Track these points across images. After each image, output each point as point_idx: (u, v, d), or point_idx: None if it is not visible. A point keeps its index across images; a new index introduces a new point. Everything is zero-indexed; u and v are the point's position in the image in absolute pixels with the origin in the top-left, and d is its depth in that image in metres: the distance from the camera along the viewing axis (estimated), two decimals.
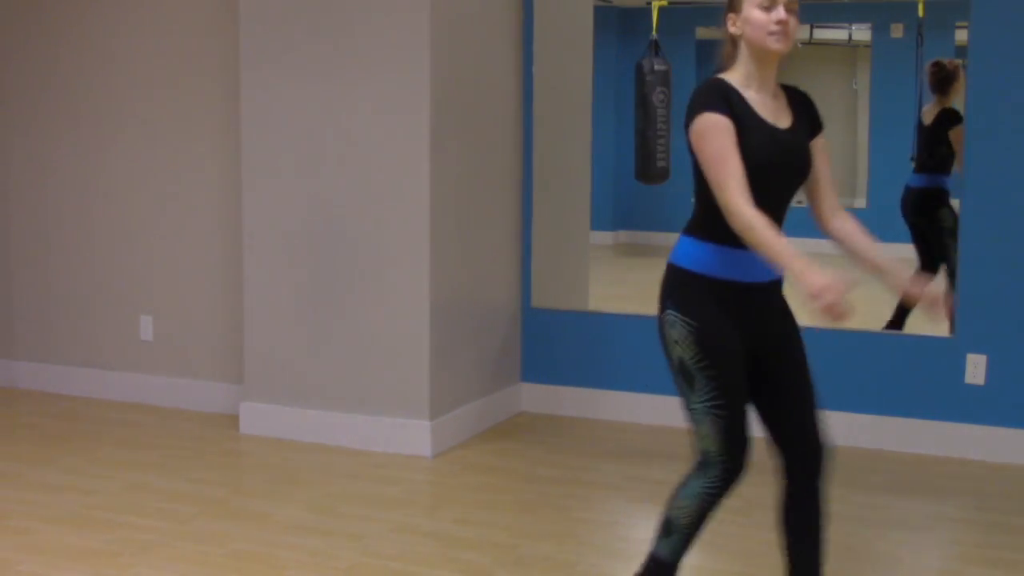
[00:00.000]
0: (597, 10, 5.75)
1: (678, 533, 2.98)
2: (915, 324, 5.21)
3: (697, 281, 2.82)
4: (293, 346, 5.01)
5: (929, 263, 5.27)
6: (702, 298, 2.81)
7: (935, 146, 5.13)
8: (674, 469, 4.64)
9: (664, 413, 5.25)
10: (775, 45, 2.75)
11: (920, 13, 5.50)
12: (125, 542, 3.82)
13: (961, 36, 5.17)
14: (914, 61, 5.45)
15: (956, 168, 4.98)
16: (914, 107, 5.39)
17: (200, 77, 5.40)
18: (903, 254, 5.23)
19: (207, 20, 5.36)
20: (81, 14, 5.62)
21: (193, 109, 5.43)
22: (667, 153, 6.06)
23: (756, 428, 2.90)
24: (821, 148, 2.88)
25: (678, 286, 2.85)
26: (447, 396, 4.91)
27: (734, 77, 2.82)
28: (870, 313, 5.35)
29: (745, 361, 2.84)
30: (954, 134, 4.97)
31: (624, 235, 6.74)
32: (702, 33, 6.51)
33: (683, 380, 2.86)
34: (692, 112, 2.79)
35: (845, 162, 5.91)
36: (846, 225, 2.88)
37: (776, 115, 2.83)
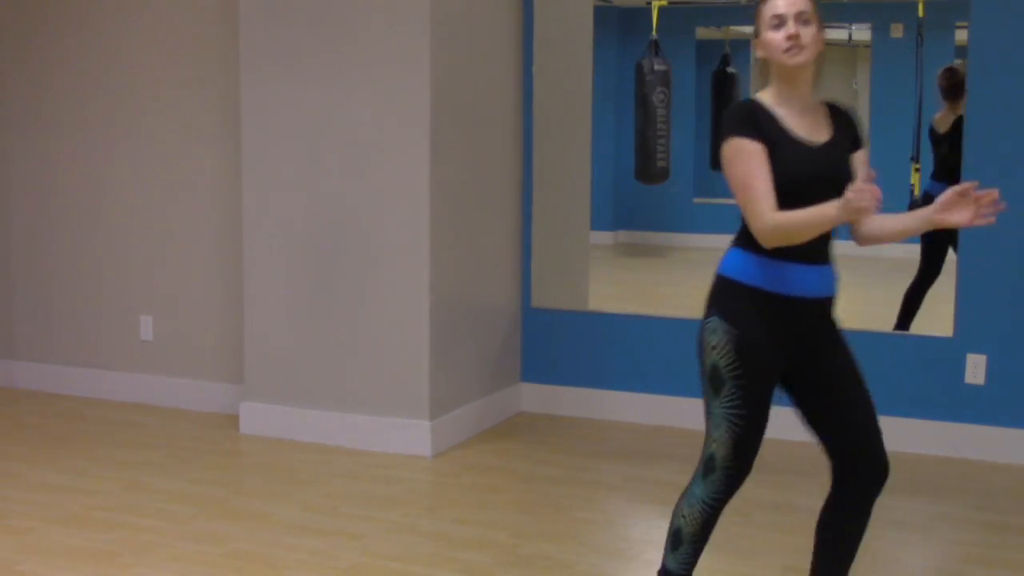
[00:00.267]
0: (597, 10, 5.74)
1: (686, 543, 2.98)
2: (918, 325, 5.22)
3: (742, 292, 2.83)
4: (293, 346, 5.01)
5: (935, 270, 5.27)
6: (747, 309, 2.82)
7: (953, 154, 5.09)
8: (674, 469, 4.65)
9: (664, 413, 5.25)
10: (791, 60, 2.76)
11: (920, 13, 5.50)
12: (125, 542, 3.82)
13: (961, 36, 5.17)
14: (914, 61, 5.45)
15: None
16: (914, 107, 5.39)
17: (200, 77, 5.40)
18: (902, 255, 5.23)
19: (207, 21, 5.36)
20: (80, 16, 5.62)
21: (193, 109, 5.43)
22: (667, 153, 6.07)
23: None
24: (861, 160, 2.88)
25: (724, 296, 2.87)
26: (447, 396, 4.91)
27: (767, 96, 2.85)
28: (871, 313, 5.36)
29: (781, 374, 2.87)
30: None
31: (624, 235, 6.74)
32: (702, 33, 6.51)
33: (710, 384, 2.88)
34: (721, 137, 2.83)
35: None
36: (872, 221, 2.84)
37: (811, 130, 2.82)
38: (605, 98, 6.18)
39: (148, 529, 3.93)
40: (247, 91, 4.99)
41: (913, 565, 3.78)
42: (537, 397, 5.49)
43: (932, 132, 5.34)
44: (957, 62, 5.27)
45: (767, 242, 2.74)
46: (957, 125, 4.96)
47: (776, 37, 2.78)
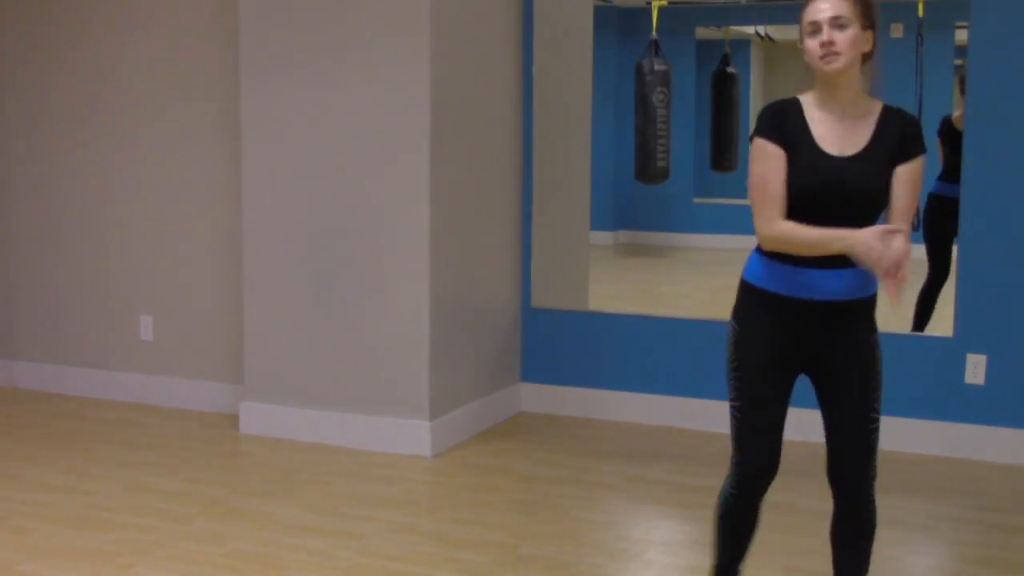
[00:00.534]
0: (597, 10, 5.75)
1: (713, 535, 3.08)
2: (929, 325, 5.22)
3: (754, 293, 2.89)
4: (293, 346, 5.01)
5: (944, 270, 5.23)
6: (753, 308, 2.89)
7: None
8: (674, 469, 4.65)
9: (664, 413, 5.25)
10: (827, 67, 2.74)
11: (920, 13, 5.50)
12: (125, 542, 3.82)
13: (961, 36, 5.17)
14: (914, 61, 5.45)
15: None
16: (914, 108, 5.38)
17: (200, 78, 5.40)
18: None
19: (207, 22, 5.36)
20: (82, 21, 5.62)
21: (193, 110, 5.43)
22: (667, 153, 6.07)
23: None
24: (904, 175, 2.79)
25: (738, 297, 2.95)
26: (447, 396, 4.91)
27: (810, 97, 2.84)
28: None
29: (789, 374, 2.89)
30: None
31: (624, 235, 6.74)
32: (702, 33, 6.51)
33: (727, 381, 2.97)
34: (752, 133, 2.86)
35: None
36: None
37: (843, 138, 2.79)
38: (605, 98, 6.18)
39: (148, 529, 3.93)
40: (247, 93, 4.99)
41: (913, 565, 3.78)
42: (537, 397, 5.49)
43: (948, 130, 5.24)
44: None
45: (766, 245, 2.80)
46: None
47: (813, 44, 2.75)
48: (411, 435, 4.80)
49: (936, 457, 4.79)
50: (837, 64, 2.73)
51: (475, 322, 5.14)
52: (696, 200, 6.42)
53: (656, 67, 5.97)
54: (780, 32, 6.53)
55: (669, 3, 6.15)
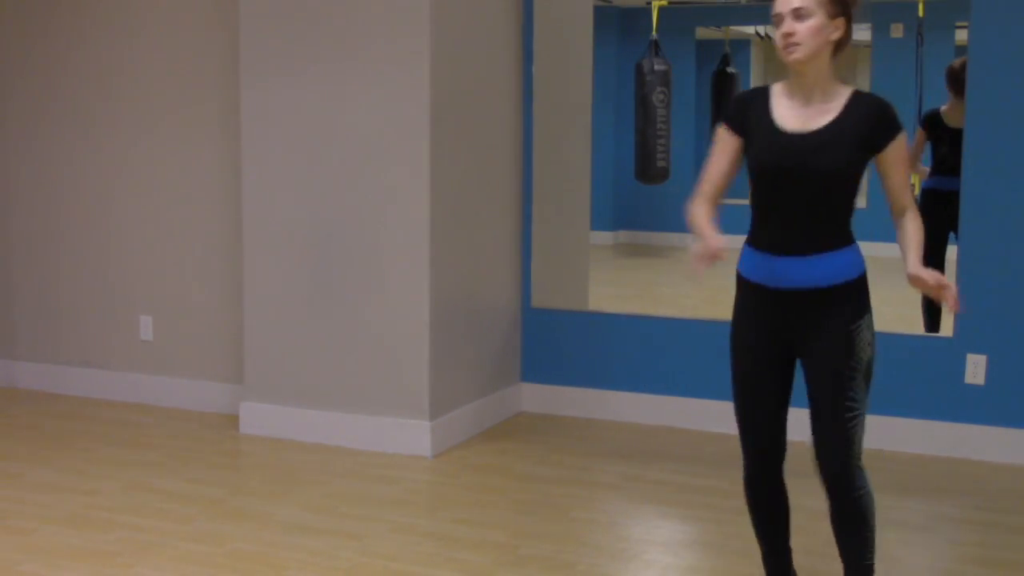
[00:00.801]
0: (597, 10, 5.75)
1: (752, 523, 3.20)
2: (918, 325, 5.21)
3: (740, 282, 3.01)
4: (293, 346, 5.01)
5: (938, 264, 5.24)
6: (741, 297, 3.01)
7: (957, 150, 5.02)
8: (674, 469, 4.65)
9: (664, 413, 5.25)
10: (789, 58, 2.82)
11: (920, 13, 5.50)
12: (125, 542, 3.82)
13: (961, 36, 5.16)
14: (914, 61, 5.45)
15: None
16: (914, 107, 5.38)
17: (200, 77, 5.40)
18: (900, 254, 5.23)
19: (207, 21, 5.36)
20: (83, 21, 5.62)
21: (193, 109, 5.43)
22: (667, 153, 6.07)
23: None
24: (887, 158, 2.85)
25: (736, 286, 3.06)
26: (447, 396, 4.91)
27: (780, 86, 2.93)
28: (874, 313, 5.35)
29: (775, 360, 2.96)
30: None
31: (624, 235, 6.74)
32: (702, 33, 6.51)
33: None
34: None
35: None
36: (901, 225, 2.93)
37: (804, 119, 2.84)
38: (605, 98, 6.18)
39: (148, 529, 3.93)
40: (247, 91, 4.99)
41: (913, 565, 3.78)
42: (537, 397, 5.49)
43: (936, 124, 5.24)
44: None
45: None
46: None
47: (777, 35, 2.83)
48: (411, 435, 4.80)
49: (936, 457, 4.79)
50: (798, 54, 2.79)
51: (475, 322, 5.14)
52: None
53: (656, 67, 5.97)
54: None
55: (669, 3, 6.15)
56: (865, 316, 2.90)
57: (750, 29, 6.56)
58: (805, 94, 2.85)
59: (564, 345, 5.44)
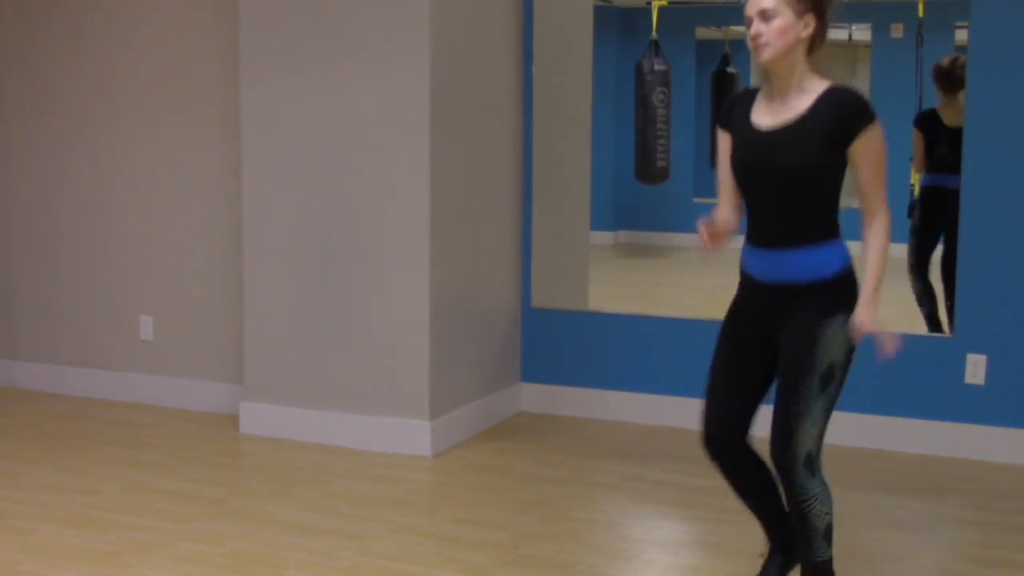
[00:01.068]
0: (597, 10, 5.74)
1: None
2: (918, 325, 5.21)
3: (740, 274, 3.07)
4: (293, 346, 5.01)
5: (923, 263, 5.25)
6: (738, 287, 3.08)
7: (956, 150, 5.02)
8: (674, 469, 4.65)
9: (664, 413, 5.25)
10: (759, 58, 2.87)
11: (920, 13, 5.49)
12: (125, 542, 3.82)
13: (961, 36, 5.16)
14: (914, 61, 5.44)
15: None
16: (914, 107, 5.38)
17: (200, 77, 5.40)
18: (899, 254, 5.23)
19: (207, 20, 5.36)
20: (82, 21, 5.62)
21: (193, 109, 5.43)
22: (667, 153, 6.06)
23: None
24: (857, 150, 2.84)
25: None
26: (447, 396, 4.91)
27: (764, 86, 2.98)
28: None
29: (753, 348, 3.03)
30: None
31: (624, 235, 6.74)
32: (702, 33, 6.51)
33: None
34: None
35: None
36: (866, 238, 2.93)
37: (776, 115, 2.89)
38: (605, 98, 6.17)
39: (148, 529, 3.93)
40: (247, 91, 4.99)
41: (913, 565, 3.78)
42: (537, 397, 5.49)
43: (931, 123, 5.24)
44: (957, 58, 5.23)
45: None
46: None
47: (748, 36, 2.89)
48: (411, 435, 4.80)
49: (936, 457, 4.79)
50: (766, 55, 2.84)
51: (475, 322, 5.14)
52: (696, 200, 6.41)
53: (656, 67, 5.96)
54: None
55: (669, 3, 6.14)
56: (838, 315, 2.87)
57: None
58: (782, 92, 2.89)
59: (564, 345, 5.44)
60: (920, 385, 4.83)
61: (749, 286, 3.02)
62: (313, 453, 4.85)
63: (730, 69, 6.47)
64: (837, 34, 6.03)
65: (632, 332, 5.32)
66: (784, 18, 2.81)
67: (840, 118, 2.81)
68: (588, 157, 5.68)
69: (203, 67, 5.39)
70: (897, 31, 5.73)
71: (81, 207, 5.72)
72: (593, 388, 5.39)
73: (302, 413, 5.00)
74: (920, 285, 5.26)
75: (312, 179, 4.90)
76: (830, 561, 3.02)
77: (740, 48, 6.53)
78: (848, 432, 4.74)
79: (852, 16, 6.03)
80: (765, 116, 2.90)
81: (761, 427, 3.08)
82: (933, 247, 5.19)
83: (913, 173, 5.43)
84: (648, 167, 6.07)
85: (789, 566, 3.20)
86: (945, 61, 5.17)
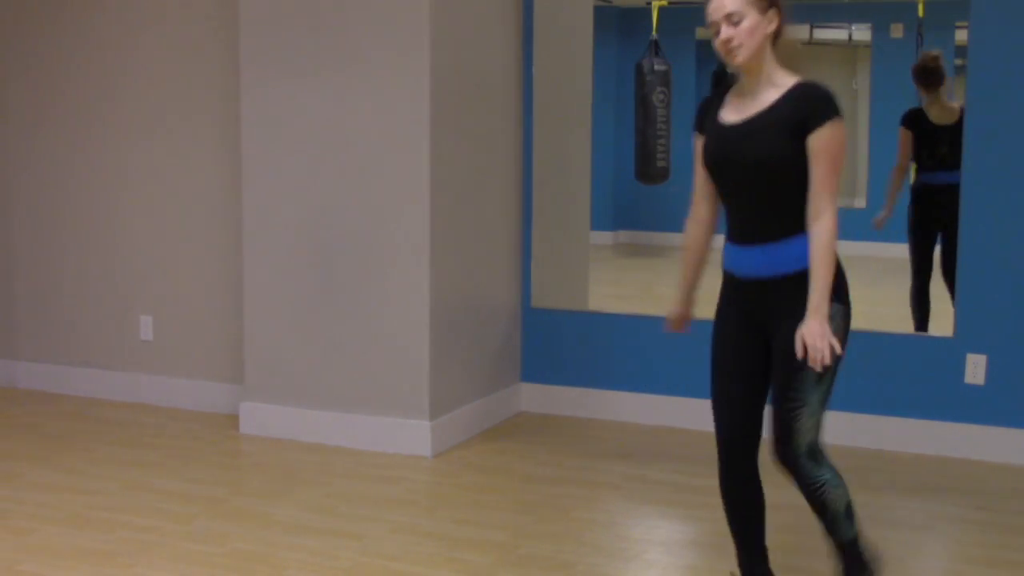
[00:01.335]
0: (597, 10, 5.75)
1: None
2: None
3: (723, 273, 3.07)
4: (293, 346, 5.01)
5: (927, 264, 5.24)
6: (721, 286, 3.08)
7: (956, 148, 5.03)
8: (673, 469, 4.65)
9: (664, 413, 5.25)
10: (733, 62, 2.90)
11: (920, 13, 5.50)
12: (125, 542, 3.82)
13: (961, 36, 5.17)
14: (914, 61, 5.45)
15: None
16: (914, 107, 5.38)
17: (200, 77, 5.41)
18: (899, 254, 5.22)
19: (207, 20, 5.36)
20: (82, 21, 5.62)
21: (193, 109, 5.43)
22: (667, 153, 6.07)
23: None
24: (811, 145, 2.82)
25: None
26: (447, 396, 4.91)
27: (736, 87, 3.00)
28: (872, 313, 5.36)
29: (746, 348, 3.02)
30: None
31: (624, 235, 6.74)
32: (702, 33, 6.49)
33: None
34: None
35: (845, 162, 5.91)
36: (809, 238, 2.84)
37: (742, 111, 2.93)
38: (605, 98, 6.18)
39: (148, 529, 3.93)
40: (247, 91, 4.99)
41: (913, 565, 3.78)
42: (537, 397, 5.49)
43: (920, 122, 5.25)
44: (935, 50, 5.27)
45: None
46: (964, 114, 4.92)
47: (716, 43, 2.91)
48: (411, 435, 4.80)
49: (936, 457, 4.79)
50: (740, 57, 2.87)
51: (475, 322, 5.14)
52: None
53: (656, 67, 5.97)
54: None
55: (669, 3, 6.15)
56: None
57: None
58: (752, 89, 2.92)
59: (564, 345, 5.44)
60: (920, 385, 4.83)
61: (732, 284, 3.02)
62: (313, 453, 4.85)
63: (730, 69, 6.47)
64: (837, 34, 6.03)
65: (632, 332, 5.32)
66: (751, 18, 2.84)
67: (802, 109, 2.83)
68: (588, 157, 5.68)
69: (204, 69, 5.39)
70: (897, 31, 5.73)
71: (82, 208, 5.72)
72: (593, 388, 5.39)
73: (302, 413, 5.00)
74: (916, 291, 5.27)
75: (312, 179, 4.90)
76: (859, 536, 3.06)
77: None
78: (848, 432, 4.74)
79: (852, 16, 6.03)
80: (733, 113, 2.94)
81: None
82: (932, 245, 5.20)
83: (913, 173, 5.44)
84: (648, 167, 6.08)
85: None
86: (919, 60, 5.26)
